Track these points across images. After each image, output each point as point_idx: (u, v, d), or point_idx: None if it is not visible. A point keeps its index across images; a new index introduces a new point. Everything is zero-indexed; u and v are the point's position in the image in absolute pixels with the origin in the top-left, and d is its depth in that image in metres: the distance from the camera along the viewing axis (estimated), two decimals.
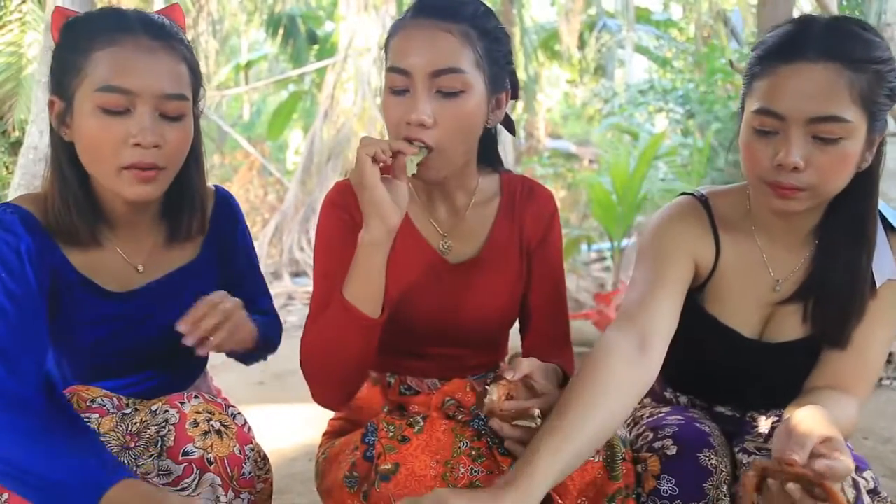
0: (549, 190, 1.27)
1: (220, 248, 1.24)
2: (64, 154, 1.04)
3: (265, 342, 1.22)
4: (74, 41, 1.02)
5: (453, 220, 1.19)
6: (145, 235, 1.14)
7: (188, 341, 0.99)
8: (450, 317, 1.16)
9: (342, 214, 1.14)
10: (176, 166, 1.06)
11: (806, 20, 1.00)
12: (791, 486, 0.81)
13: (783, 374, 1.12)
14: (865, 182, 1.03)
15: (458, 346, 1.19)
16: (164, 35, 1.03)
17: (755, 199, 1.11)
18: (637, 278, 1.12)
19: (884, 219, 1.09)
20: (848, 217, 1.06)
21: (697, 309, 1.14)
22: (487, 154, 1.22)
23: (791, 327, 1.11)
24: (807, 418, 0.89)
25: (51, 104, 1.04)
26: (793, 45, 0.98)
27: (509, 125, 1.21)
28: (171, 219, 1.15)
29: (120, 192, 1.02)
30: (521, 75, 11.19)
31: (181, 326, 0.99)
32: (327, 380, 1.06)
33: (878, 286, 1.06)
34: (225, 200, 1.25)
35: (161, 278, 1.15)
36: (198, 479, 0.92)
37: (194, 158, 1.12)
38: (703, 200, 1.16)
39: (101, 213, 1.09)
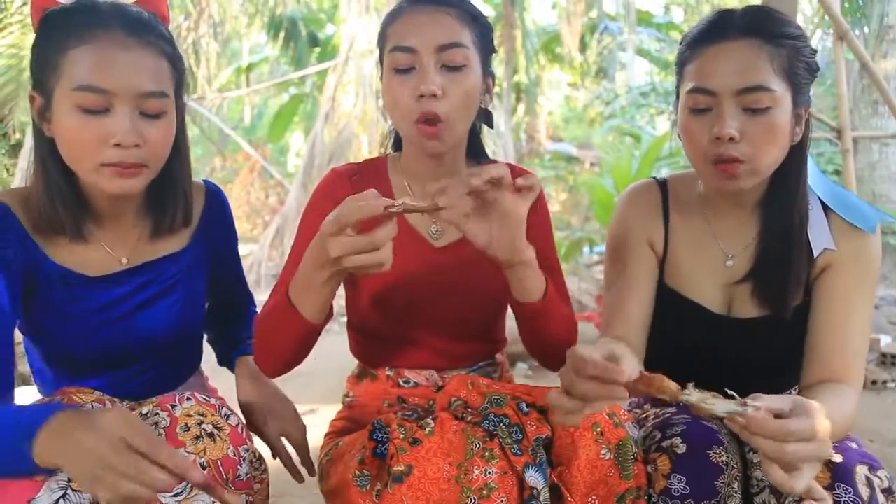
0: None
1: (210, 243, 1.23)
2: (46, 149, 1.03)
3: None
4: (50, 37, 1.00)
5: None
6: (130, 229, 1.14)
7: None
8: (442, 299, 1.17)
9: (328, 202, 1.16)
10: (159, 162, 1.05)
11: (724, 10, 1.11)
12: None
13: (759, 353, 1.16)
14: (798, 155, 1.12)
15: (453, 332, 1.20)
16: (141, 30, 1.01)
17: (704, 183, 1.21)
18: (608, 278, 1.26)
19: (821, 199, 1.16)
20: (784, 190, 1.14)
21: (662, 286, 1.22)
22: (472, 147, 1.25)
23: (753, 304, 1.16)
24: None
25: (31, 99, 1.03)
26: (716, 28, 1.09)
27: (488, 117, 1.25)
28: (155, 211, 1.14)
29: (101, 188, 1.02)
30: (523, 78, 11.20)
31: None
32: (267, 353, 1.10)
33: (815, 256, 1.12)
34: (215, 195, 1.25)
35: (145, 264, 1.14)
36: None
37: (177, 150, 1.11)
38: (662, 183, 1.27)
39: (85, 206, 1.08)
